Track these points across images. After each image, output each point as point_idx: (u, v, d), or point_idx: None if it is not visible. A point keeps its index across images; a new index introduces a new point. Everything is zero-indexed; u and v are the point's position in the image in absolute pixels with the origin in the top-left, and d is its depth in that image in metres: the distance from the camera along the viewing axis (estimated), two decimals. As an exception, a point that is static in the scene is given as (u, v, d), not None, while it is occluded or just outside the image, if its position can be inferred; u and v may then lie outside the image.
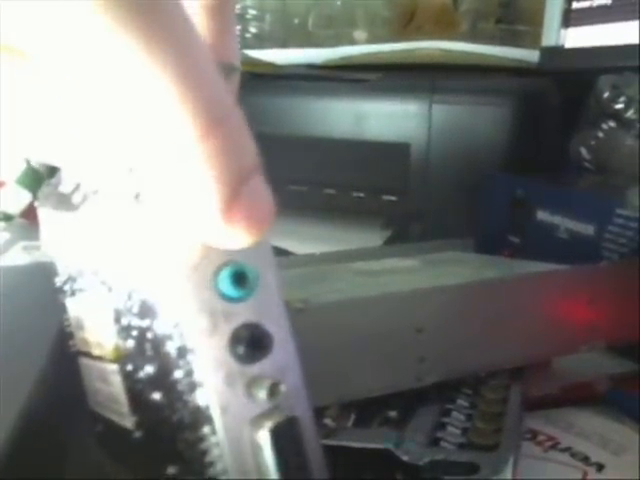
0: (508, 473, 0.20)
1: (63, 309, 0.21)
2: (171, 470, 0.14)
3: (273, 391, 0.12)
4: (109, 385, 0.18)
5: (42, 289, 0.22)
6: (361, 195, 0.48)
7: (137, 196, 0.13)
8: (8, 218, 0.45)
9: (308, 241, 0.45)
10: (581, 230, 0.35)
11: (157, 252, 0.13)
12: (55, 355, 0.23)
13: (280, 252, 0.43)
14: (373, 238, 0.47)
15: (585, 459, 0.25)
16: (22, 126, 0.13)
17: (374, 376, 0.23)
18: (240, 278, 0.12)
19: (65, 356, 0.21)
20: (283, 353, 0.13)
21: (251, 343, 0.12)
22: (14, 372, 0.21)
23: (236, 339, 0.12)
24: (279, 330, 0.13)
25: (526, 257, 0.36)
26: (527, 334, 0.26)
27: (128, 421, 0.17)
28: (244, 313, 0.13)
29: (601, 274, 0.29)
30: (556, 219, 0.37)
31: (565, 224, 0.36)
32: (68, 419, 0.23)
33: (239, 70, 0.13)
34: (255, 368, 0.12)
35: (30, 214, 0.44)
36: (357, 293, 0.26)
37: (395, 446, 0.21)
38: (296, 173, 0.50)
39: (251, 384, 0.12)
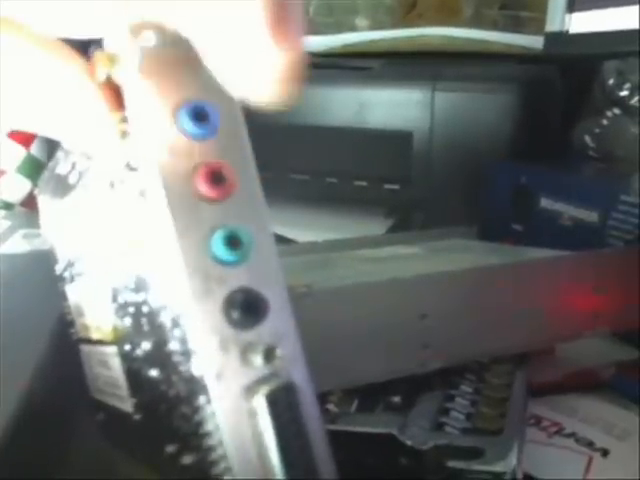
0: (513, 458, 0.20)
1: (63, 297, 0.21)
2: (169, 449, 0.14)
3: (268, 356, 0.12)
4: (108, 369, 0.18)
5: (42, 277, 0.22)
6: (363, 184, 0.48)
7: (128, 164, 0.13)
8: (8, 206, 0.45)
9: (310, 230, 0.45)
10: (585, 217, 0.34)
11: (149, 218, 0.13)
12: (55, 343, 0.23)
13: (283, 240, 0.43)
14: (376, 227, 0.47)
15: (590, 444, 0.25)
16: (16, 97, 0.13)
17: (377, 362, 0.23)
18: (233, 241, 0.12)
19: (65, 345, 0.21)
20: (279, 319, 0.12)
21: (246, 308, 0.12)
22: (14, 361, 0.21)
23: (230, 304, 0.12)
24: (275, 295, 0.12)
25: (530, 245, 0.36)
26: (531, 320, 0.26)
27: (128, 404, 0.17)
28: (238, 277, 0.12)
29: (605, 260, 0.29)
30: (560, 206, 0.36)
31: (569, 211, 0.36)
32: (69, 407, 0.23)
33: None
34: (250, 334, 0.12)
35: (30, 202, 0.44)
36: (360, 279, 0.26)
37: (399, 431, 0.21)
38: (298, 162, 0.50)
39: (246, 350, 0.12)
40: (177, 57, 0.12)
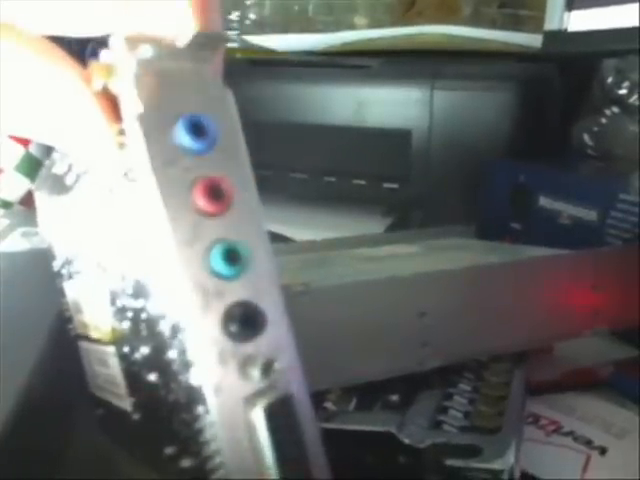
0: (510, 456, 0.20)
1: (62, 293, 0.21)
2: (168, 451, 0.14)
3: (267, 369, 0.12)
4: (107, 367, 0.18)
5: (41, 275, 0.22)
6: (362, 182, 0.48)
7: (126, 174, 0.13)
8: (7, 205, 0.45)
9: (309, 228, 0.45)
10: (584, 216, 0.34)
11: (148, 231, 0.13)
12: (54, 340, 0.23)
13: (281, 239, 0.43)
14: (374, 226, 0.47)
15: (588, 443, 0.25)
16: (14, 103, 0.13)
17: (376, 360, 0.23)
18: (232, 256, 0.12)
19: (64, 341, 0.21)
20: (277, 332, 0.13)
21: (244, 321, 0.12)
22: (13, 357, 0.21)
23: (229, 317, 0.12)
24: (273, 309, 0.13)
25: (528, 243, 0.36)
26: (530, 319, 0.26)
27: (126, 403, 0.17)
28: (237, 291, 0.12)
29: (604, 259, 0.29)
30: (558, 205, 0.36)
31: (568, 210, 0.36)
32: (68, 403, 0.23)
33: (225, 40, 0.13)
34: (248, 347, 0.12)
35: (29, 201, 0.44)
36: (359, 277, 0.26)
37: (397, 429, 0.21)
38: (297, 161, 0.50)
39: (244, 363, 0.12)
40: (174, 70, 0.12)
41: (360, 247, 0.37)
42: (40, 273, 0.22)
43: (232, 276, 0.12)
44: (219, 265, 0.12)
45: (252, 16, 0.60)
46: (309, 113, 0.48)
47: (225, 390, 0.12)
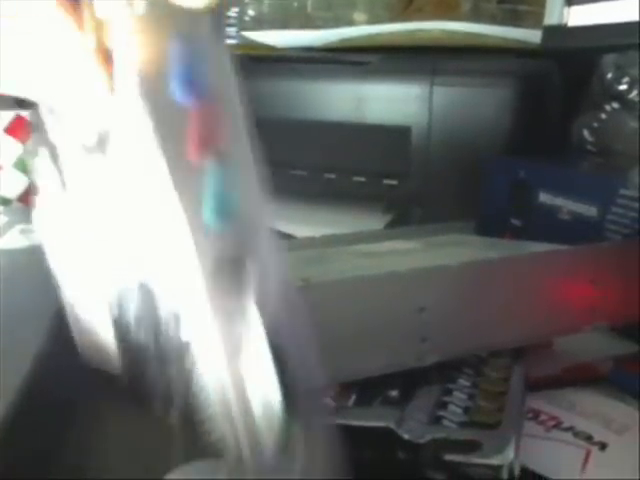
0: (510, 451, 0.20)
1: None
2: (158, 405, 0.14)
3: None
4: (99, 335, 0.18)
5: (40, 271, 0.22)
6: (362, 179, 0.48)
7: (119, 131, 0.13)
8: (5, 202, 0.45)
9: (309, 225, 0.45)
10: (584, 211, 0.34)
11: (144, 185, 0.13)
12: (53, 337, 0.23)
13: (281, 236, 0.43)
14: (374, 222, 0.47)
15: (588, 438, 0.25)
16: (10, 60, 0.13)
17: (375, 356, 0.23)
18: (224, 205, 0.13)
19: (63, 338, 0.21)
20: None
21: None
22: (12, 355, 0.21)
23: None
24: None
25: (528, 239, 0.36)
26: (529, 314, 0.26)
27: (118, 367, 0.17)
28: (228, 239, 0.13)
29: (603, 254, 0.29)
30: (558, 201, 0.36)
31: (567, 206, 0.36)
32: (67, 399, 0.23)
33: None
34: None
35: (27, 198, 0.44)
36: (358, 273, 0.26)
37: (396, 424, 0.21)
38: (297, 157, 0.50)
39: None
40: (169, 25, 0.13)
41: (360, 243, 0.37)
42: (39, 270, 0.22)
43: (223, 226, 0.13)
44: (211, 214, 0.13)
45: (251, 12, 0.60)
46: (308, 109, 0.48)
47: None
